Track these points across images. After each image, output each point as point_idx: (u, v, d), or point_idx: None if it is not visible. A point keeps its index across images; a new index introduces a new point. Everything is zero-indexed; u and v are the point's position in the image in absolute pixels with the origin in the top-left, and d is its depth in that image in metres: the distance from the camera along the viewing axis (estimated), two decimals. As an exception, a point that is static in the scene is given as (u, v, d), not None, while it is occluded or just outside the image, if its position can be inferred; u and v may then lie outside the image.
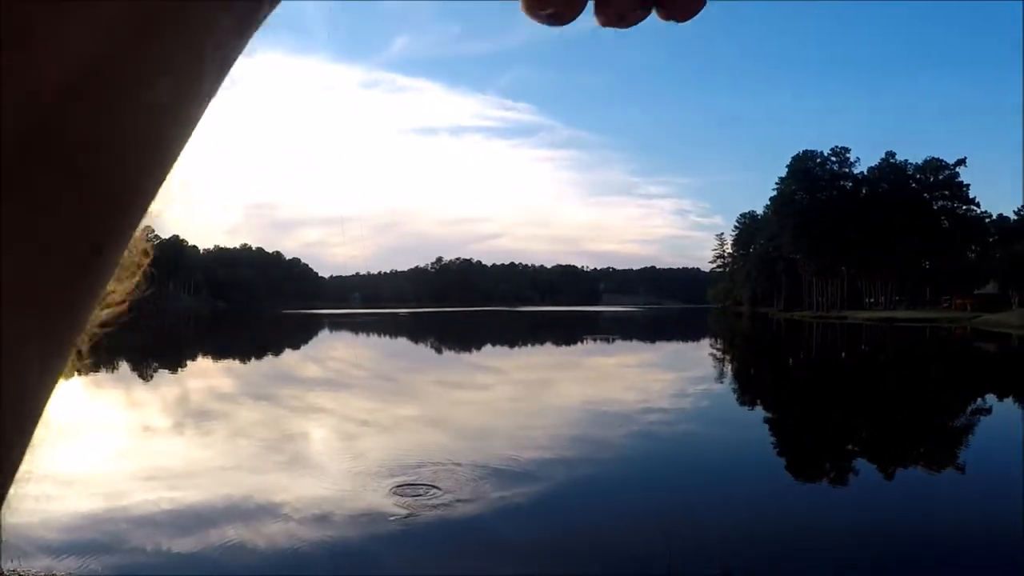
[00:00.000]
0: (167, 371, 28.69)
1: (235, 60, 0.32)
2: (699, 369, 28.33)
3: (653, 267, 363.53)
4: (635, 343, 49.31)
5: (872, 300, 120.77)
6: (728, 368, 28.96)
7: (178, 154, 0.31)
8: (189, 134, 0.31)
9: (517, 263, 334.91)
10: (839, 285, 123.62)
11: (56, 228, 0.26)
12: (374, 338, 64.16)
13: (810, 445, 13.21)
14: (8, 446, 0.29)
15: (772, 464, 11.66)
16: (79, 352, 0.32)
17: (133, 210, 0.30)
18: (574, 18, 0.38)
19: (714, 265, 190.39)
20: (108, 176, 0.27)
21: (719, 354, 34.20)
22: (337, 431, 15.97)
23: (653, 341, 49.92)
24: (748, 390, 21.75)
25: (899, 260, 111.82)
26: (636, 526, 8.49)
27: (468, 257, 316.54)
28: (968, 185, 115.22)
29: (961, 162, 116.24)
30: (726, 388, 22.18)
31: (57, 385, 0.30)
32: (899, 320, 76.57)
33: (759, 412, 17.87)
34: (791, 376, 25.38)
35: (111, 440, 14.12)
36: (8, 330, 0.25)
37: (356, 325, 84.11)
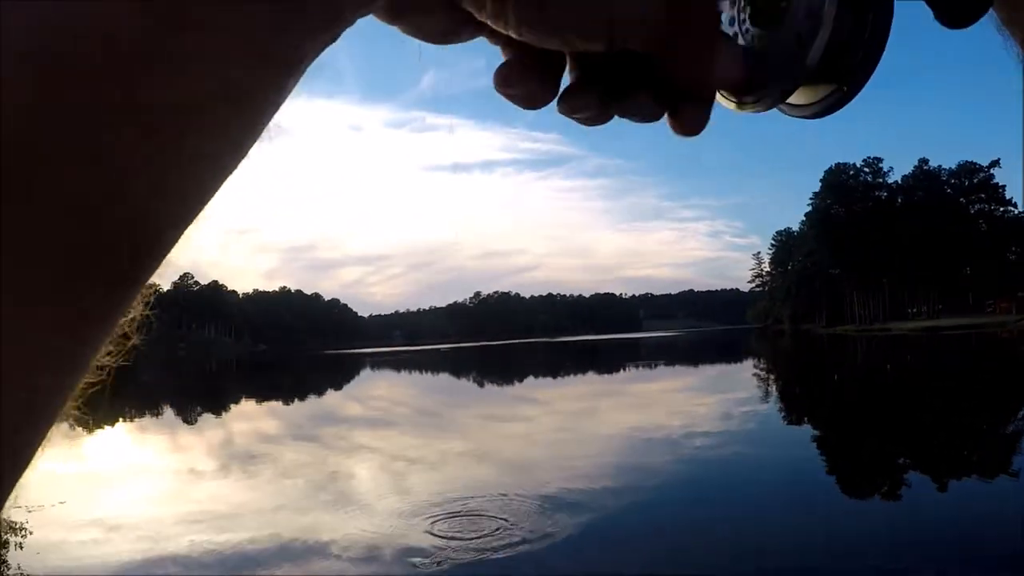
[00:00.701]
0: (211, 415, 28.91)
1: (277, 108, 0.32)
2: (742, 391, 27.96)
3: (691, 290, 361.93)
4: (677, 368, 48.88)
5: (914, 310, 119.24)
6: (772, 388, 28.60)
7: (209, 200, 0.31)
8: (223, 180, 0.31)
9: (555, 293, 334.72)
10: (880, 297, 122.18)
11: (79, 254, 0.26)
12: (416, 375, 64.25)
13: (861, 461, 12.96)
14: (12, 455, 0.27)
15: (825, 483, 11.43)
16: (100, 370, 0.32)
17: (158, 248, 0.29)
18: (543, 105, 0.40)
19: (752, 285, 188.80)
20: (134, 213, 0.27)
21: (762, 374, 33.83)
22: (383, 468, 15.95)
23: (695, 364, 49.47)
24: (793, 409, 21.43)
25: (939, 267, 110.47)
26: (696, 553, 8.34)
27: (506, 290, 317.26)
28: (1004, 186, 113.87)
29: (995, 163, 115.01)
30: (771, 408, 21.88)
31: (62, 409, 0.29)
32: (943, 328, 75.35)
33: (806, 430, 17.60)
34: (836, 392, 25.01)
35: (157, 484, 14.20)
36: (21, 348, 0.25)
37: (397, 363, 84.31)
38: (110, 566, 8.63)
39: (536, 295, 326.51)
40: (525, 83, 0.39)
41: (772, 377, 32.86)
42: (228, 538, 9.90)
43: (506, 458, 15.94)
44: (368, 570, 8.35)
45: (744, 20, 0.43)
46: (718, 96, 0.44)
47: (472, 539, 9.11)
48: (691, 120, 0.41)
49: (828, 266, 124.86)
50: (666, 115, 0.41)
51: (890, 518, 9.28)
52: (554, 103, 0.40)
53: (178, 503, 12.49)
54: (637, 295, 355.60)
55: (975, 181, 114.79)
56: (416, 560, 8.39)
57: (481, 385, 47.17)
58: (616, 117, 0.41)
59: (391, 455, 17.75)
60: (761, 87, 0.41)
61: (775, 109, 0.42)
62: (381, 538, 9.64)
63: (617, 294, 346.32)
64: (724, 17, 0.45)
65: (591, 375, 49.03)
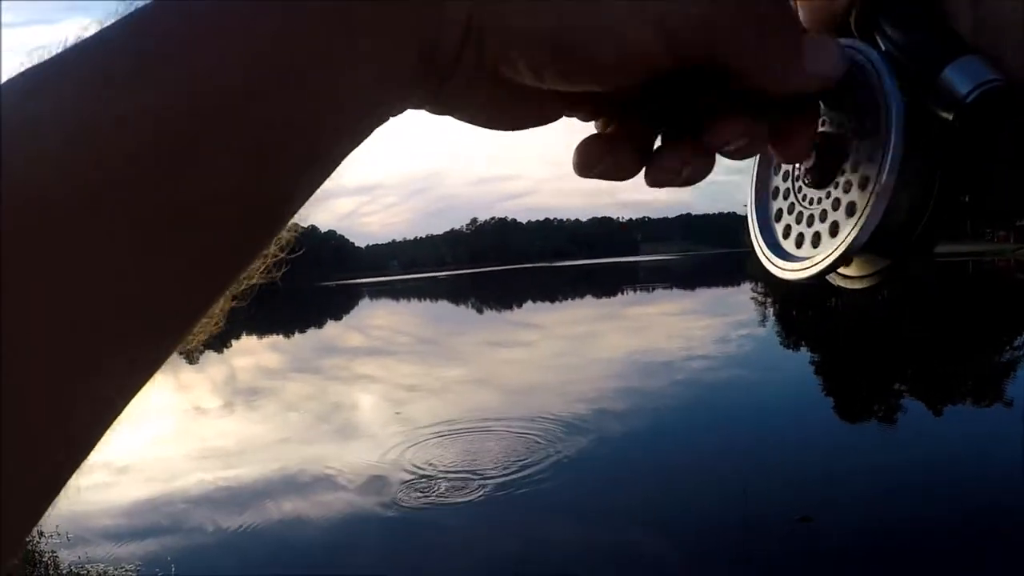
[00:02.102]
0: (212, 352, 29.02)
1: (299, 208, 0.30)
2: (740, 314, 28.10)
3: (689, 214, 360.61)
4: (675, 291, 48.92)
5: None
6: (769, 312, 28.66)
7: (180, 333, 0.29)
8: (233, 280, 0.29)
9: (552, 218, 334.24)
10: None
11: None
12: (414, 303, 64.40)
13: (857, 386, 13.07)
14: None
15: (823, 406, 11.54)
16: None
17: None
18: (633, 175, 0.36)
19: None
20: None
21: (760, 298, 33.85)
22: (384, 397, 16.08)
23: (693, 288, 49.50)
24: (791, 333, 21.52)
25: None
26: (699, 473, 8.43)
27: (503, 216, 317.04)
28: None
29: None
30: (768, 332, 21.97)
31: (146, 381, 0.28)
32: (941, 255, 74.98)
33: (803, 354, 17.74)
34: (833, 317, 25.08)
35: (163, 424, 14.31)
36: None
37: (395, 292, 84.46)
38: (121, 507, 8.77)
39: (533, 220, 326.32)
40: (608, 155, 0.35)
41: (769, 301, 32.89)
42: (235, 473, 10.04)
43: (507, 384, 16.05)
44: (372, 497, 8.46)
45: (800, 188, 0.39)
46: (763, 261, 0.41)
47: (468, 469, 9.21)
48: (797, 138, 0.36)
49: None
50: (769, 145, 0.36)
51: (885, 441, 9.41)
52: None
53: (185, 442, 12.63)
54: (635, 218, 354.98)
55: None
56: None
57: (480, 312, 47.29)
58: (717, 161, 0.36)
59: (393, 383, 17.90)
60: (807, 257, 0.38)
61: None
62: (384, 465, 9.77)
63: (615, 217, 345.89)
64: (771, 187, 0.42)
65: (589, 299, 49.13)
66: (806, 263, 0.38)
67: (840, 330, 21.01)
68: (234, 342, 32.89)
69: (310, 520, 7.96)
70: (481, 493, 8.26)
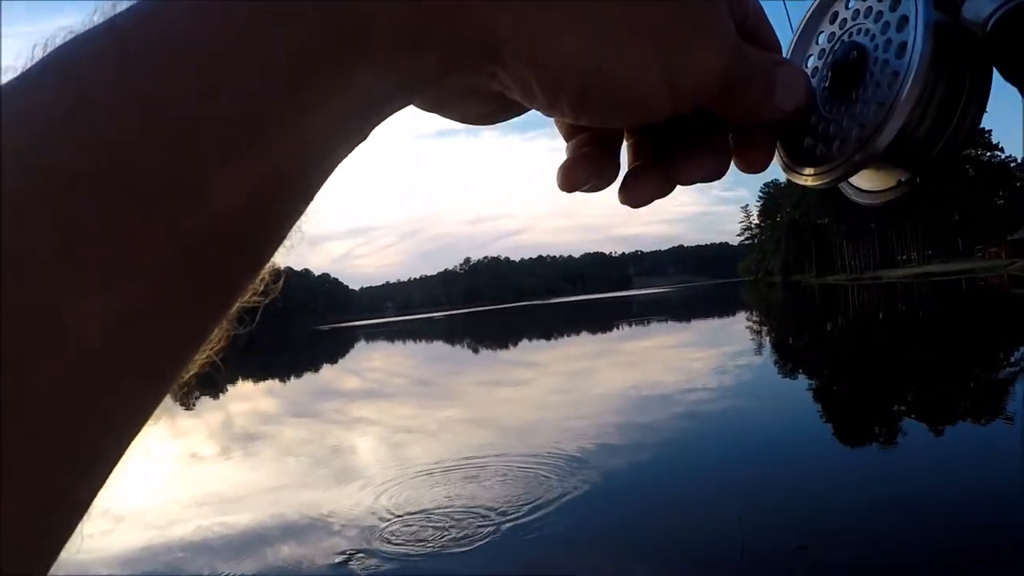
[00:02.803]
0: (209, 398, 28.93)
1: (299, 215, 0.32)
2: (736, 343, 28.05)
3: (681, 246, 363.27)
4: (670, 323, 48.92)
5: (904, 257, 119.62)
6: (765, 339, 28.67)
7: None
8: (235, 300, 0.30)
9: (545, 255, 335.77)
10: (870, 245, 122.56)
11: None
12: (410, 344, 64.27)
13: (857, 410, 13.05)
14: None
15: (821, 431, 11.54)
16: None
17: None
18: (608, 185, 0.39)
19: (742, 238, 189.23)
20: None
21: (755, 326, 33.91)
22: (381, 439, 16.02)
23: (688, 320, 49.54)
24: (788, 360, 21.53)
25: (927, 213, 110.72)
26: (699, 505, 8.42)
27: (496, 255, 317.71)
28: (990, 131, 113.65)
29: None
30: (765, 360, 21.96)
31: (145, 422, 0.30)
32: (934, 274, 75.46)
33: (801, 381, 17.70)
34: (830, 342, 25.10)
35: (160, 471, 14.24)
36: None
37: (391, 333, 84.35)
38: (119, 556, 8.69)
39: (527, 258, 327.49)
40: (590, 175, 0.38)
41: (765, 329, 32.91)
42: (233, 520, 9.97)
43: (505, 423, 16.00)
44: (372, 539, 8.41)
45: (825, 88, 0.41)
46: (779, 164, 0.43)
47: (473, 506, 9.17)
48: (756, 153, 0.39)
49: (817, 216, 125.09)
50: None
51: (886, 464, 9.39)
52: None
53: (182, 488, 12.55)
54: (627, 253, 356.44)
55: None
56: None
57: (476, 351, 47.22)
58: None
59: (390, 426, 17.83)
60: (826, 160, 0.39)
61: (841, 190, 0.41)
62: (382, 509, 9.72)
63: (607, 253, 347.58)
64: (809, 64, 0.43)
65: (584, 335, 49.10)
66: (826, 167, 0.39)
67: (836, 354, 21.03)
68: (230, 387, 32.83)
69: (308, 566, 7.89)
70: (482, 531, 8.22)
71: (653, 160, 0.39)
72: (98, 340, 0.23)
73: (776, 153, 0.42)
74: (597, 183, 0.38)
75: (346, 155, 0.31)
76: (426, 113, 0.34)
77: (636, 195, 0.38)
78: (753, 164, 0.39)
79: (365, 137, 0.31)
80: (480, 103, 0.35)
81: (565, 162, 0.38)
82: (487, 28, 0.29)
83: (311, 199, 0.31)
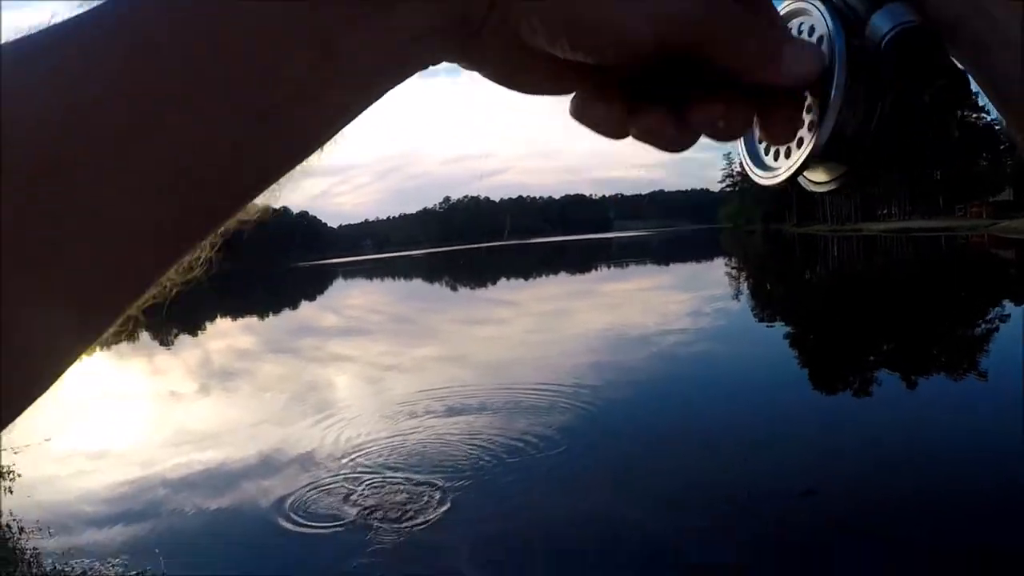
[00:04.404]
0: (187, 335, 28.81)
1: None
2: (714, 288, 28.17)
3: (662, 190, 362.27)
4: (649, 267, 49.08)
5: (885, 211, 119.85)
6: (744, 286, 28.80)
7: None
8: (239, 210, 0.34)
9: (525, 196, 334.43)
10: (852, 198, 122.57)
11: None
12: (388, 282, 64.24)
13: (832, 359, 13.14)
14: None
15: (798, 377, 11.61)
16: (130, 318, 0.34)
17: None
18: (622, 137, 0.41)
19: (723, 184, 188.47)
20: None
21: (734, 273, 34.04)
22: (359, 376, 16.08)
23: (667, 264, 49.72)
24: (765, 307, 21.62)
25: (910, 171, 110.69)
26: (690, 450, 8.45)
27: (475, 194, 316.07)
28: (977, 93, 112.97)
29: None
30: (743, 306, 22.04)
31: (86, 348, 0.31)
32: (914, 230, 75.64)
33: (778, 328, 17.77)
34: (808, 291, 25.23)
35: (138, 409, 14.24)
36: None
37: (369, 271, 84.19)
38: (101, 495, 8.69)
39: (507, 198, 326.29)
40: (596, 109, 0.39)
41: (743, 276, 33.05)
42: (212, 456, 10.00)
43: (482, 360, 16.08)
44: (352, 472, 8.45)
45: None
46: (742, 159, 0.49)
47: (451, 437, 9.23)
48: (780, 122, 0.42)
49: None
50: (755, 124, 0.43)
51: (860, 414, 9.47)
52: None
53: (161, 427, 12.55)
54: (608, 196, 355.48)
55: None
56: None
57: (454, 289, 47.28)
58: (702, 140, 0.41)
59: (367, 363, 17.88)
60: (775, 167, 0.46)
61: (800, 182, 0.46)
62: (362, 440, 9.79)
63: (588, 195, 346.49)
64: None
65: (563, 276, 49.24)
66: (780, 170, 0.45)
67: (814, 304, 21.10)
68: (208, 325, 32.70)
69: (287, 500, 7.93)
70: (456, 466, 8.27)
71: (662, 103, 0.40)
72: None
73: (748, 168, 0.48)
74: (602, 116, 0.40)
75: (381, 94, 0.35)
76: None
77: (642, 127, 0.40)
78: (774, 132, 0.43)
79: (404, 77, 0.35)
80: (508, 57, 0.37)
81: (581, 92, 0.40)
82: None
83: (327, 141, 0.34)
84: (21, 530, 7.35)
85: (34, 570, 6.38)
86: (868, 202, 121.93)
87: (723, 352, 14.14)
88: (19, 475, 9.14)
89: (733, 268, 34.63)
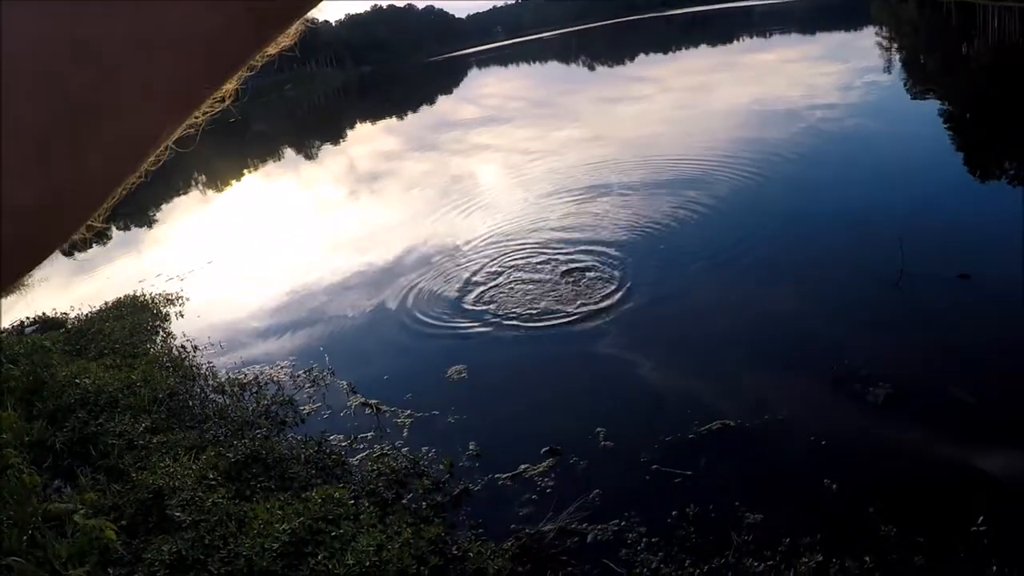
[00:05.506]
0: (329, 145, 29.29)
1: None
2: (864, 60, 26.57)
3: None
4: (793, 36, 46.67)
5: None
6: (895, 58, 27.05)
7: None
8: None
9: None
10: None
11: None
12: (523, 67, 63.39)
13: (989, 140, 12.19)
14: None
15: (954, 159, 10.97)
16: None
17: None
18: None
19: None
20: None
21: (885, 43, 31.96)
22: (503, 164, 16.29)
23: (812, 33, 47.07)
24: (918, 81, 20.23)
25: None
26: (846, 226, 8.31)
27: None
28: None
29: None
30: (895, 79, 20.79)
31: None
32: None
33: (931, 104, 16.65)
34: (964, 66, 23.36)
35: (291, 223, 14.79)
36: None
37: (503, 58, 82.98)
38: (265, 308, 9.24)
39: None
40: None
41: (895, 47, 31.07)
42: (370, 259, 10.48)
43: (626, 139, 15.95)
44: (510, 256, 8.69)
45: None
46: None
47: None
48: None
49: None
50: None
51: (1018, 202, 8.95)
52: None
53: (315, 236, 13.13)
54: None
55: None
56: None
57: (592, 68, 46.38)
58: None
59: (511, 150, 18.01)
60: None
61: None
62: (508, 228, 10.17)
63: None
64: None
65: (703, 48, 47.39)
66: None
67: (971, 80, 19.65)
68: (348, 132, 33.20)
69: (447, 294, 8.23)
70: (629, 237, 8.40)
71: None
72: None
73: None
74: None
75: None
76: None
77: None
78: None
79: None
80: None
81: None
82: None
83: None
84: (195, 348, 8.00)
85: (211, 382, 6.98)
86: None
87: (874, 128, 13.46)
88: (188, 299, 9.92)
89: (884, 38, 32.47)
